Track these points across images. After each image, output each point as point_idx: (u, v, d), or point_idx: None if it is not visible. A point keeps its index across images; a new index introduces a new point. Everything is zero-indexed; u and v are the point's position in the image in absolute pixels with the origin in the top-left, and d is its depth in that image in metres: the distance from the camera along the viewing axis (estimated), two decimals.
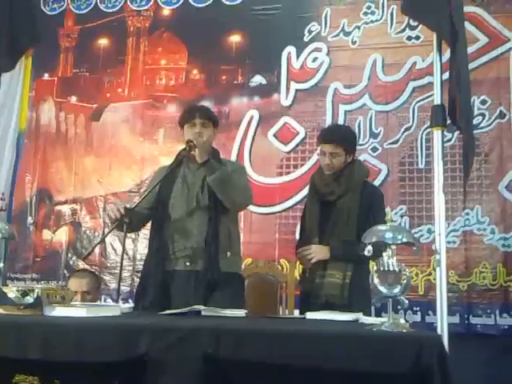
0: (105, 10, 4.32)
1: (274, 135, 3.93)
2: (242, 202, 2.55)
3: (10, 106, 3.99)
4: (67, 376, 1.60)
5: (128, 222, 2.36)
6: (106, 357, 1.59)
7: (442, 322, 1.95)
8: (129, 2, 4.29)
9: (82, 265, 3.92)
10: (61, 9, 4.39)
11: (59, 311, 1.85)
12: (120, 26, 4.28)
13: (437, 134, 2.09)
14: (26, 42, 2.41)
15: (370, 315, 2.26)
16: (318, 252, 2.52)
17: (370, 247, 1.75)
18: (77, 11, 4.37)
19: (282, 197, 3.84)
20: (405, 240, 1.73)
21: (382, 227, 1.83)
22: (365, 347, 1.56)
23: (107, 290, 3.83)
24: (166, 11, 4.24)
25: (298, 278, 2.91)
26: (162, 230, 2.45)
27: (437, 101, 2.14)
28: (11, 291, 1.88)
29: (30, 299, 1.85)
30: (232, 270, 2.48)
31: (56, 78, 4.32)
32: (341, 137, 2.60)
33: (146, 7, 4.27)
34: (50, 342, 1.63)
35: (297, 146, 3.88)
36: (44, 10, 4.33)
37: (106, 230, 4.01)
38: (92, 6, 4.34)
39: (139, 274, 3.81)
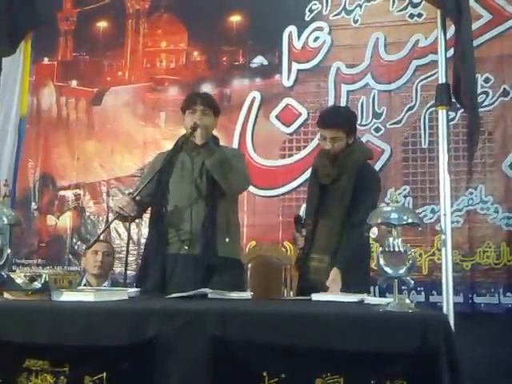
0: None
1: (276, 117, 3.91)
2: (239, 186, 2.58)
3: (10, 91, 3.96)
4: (77, 360, 1.61)
5: (133, 215, 2.40)
6: (115, 341, 1.60)
7: (448, 301, 1.95)
8: None
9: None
10: None
11: (67, 296, 1.86)
12: (119, 8, 4.23)
13: (441, 113, 2.07)
14: (26, 26, 2.38)
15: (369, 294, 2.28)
16: (332, 282, 2.35)
17: (375, 229, 1.75)
18: None
19: (284, 179, 3.83)
20: (410, 221, 1.73)
21: (386, 208, 1.82)
22: (371, 328, 1.58)
23: (113, 274, 3.84)
24: None
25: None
26: (161, 216, 2.48)
27: (441, 79, 2.11)
28: (19, 277, 1.89)
29: (37, 284, 1.87)
30: (231, 256, 2.50)
31: (56, 62, 4.29)
32: (341, 121, 2.55)
33: None
34: (59, 327, 1.65)
35: (299, 127, 3.86)
36: None
37: (110, 215, 4.03)
38: None
39: None
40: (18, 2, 2.22)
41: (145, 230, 3.83)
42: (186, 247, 2.43)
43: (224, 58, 4.04)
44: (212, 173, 2.42)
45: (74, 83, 4.27)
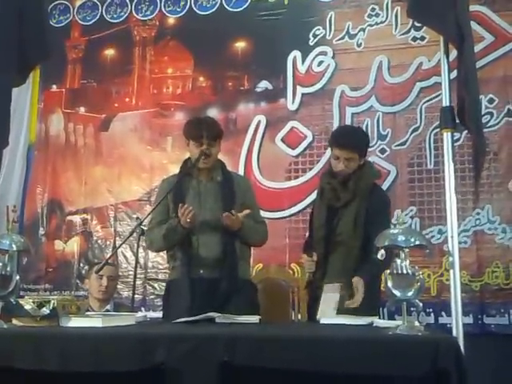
0: (110, 20, 4.35)
1: (282, 140, 3.93)
2: (259, 243, 2.69)
3: (19, 119, 4.05)
4: None
5: (141, 233, 2.42)
6: (124, 366, 1.60)
7: (458, 323, 1.94)
8: (134, 12, 4.32)
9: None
10: (67, 21, 4.42)
11: (75, 322, 1.87)
12: (126, 36, 4.30)
13: (446, 136, 2.09)
14: (37, 58, 2.42)
15: (379, 317, 2.26)
16: (359, 288, 2.27)
17: (382, 251, 1.75)
18: (83, 22, 4.41)
19: (290, 201, 3.84)
20: (417, 243, 1.74)
21: (394, 230, 1.83)
22: (381, 351, 1.57)
23: (119, 299, 3.84)
24: (171, 20, 4.26)
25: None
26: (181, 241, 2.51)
27: (445, 102, 2.13)
28: (27, 303, 1.90)
29: (46, 310, 1.87)
30: (244, 277, 2.56)
31: (64, 90, 4.35)
32: (358, 142, 2.53)
33: (151, 16, 4.29)
34: (68, 353, 1.65)
35: (304, 150, 3.88)
36: (50, 22, 4.37)
37: (118, 239, 4.05)
38: (98, 16, 4.37)
39: (151, 282, 3.91)
40: (30, 33, 2.27)
41: (152, 254, 3.88)
42: (206, 272, 2.47)
43: (229, 83, 4.09)
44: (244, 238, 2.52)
45: (82, 110, 4.32)
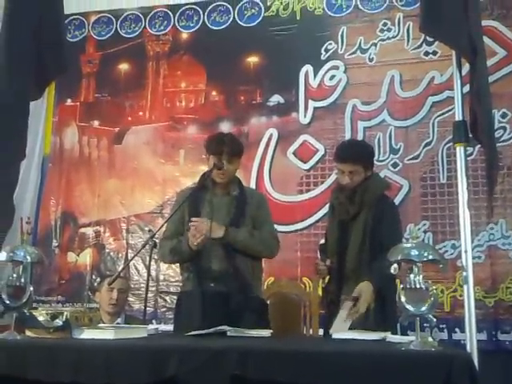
0: (125, 35, 4.41)
1: (294, 153, 3.94)
2: (268, 255, 2.68)
3: (34, 132, 4.10)
4: None
5: (154, 246, 2.43)
6: (136, 379, 1.60)
7: (472, 339, 1.92)
8: (148, 27, 4.38)
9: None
10: (82, 35, 4.49)
11: (88, 334, 1.87)
12: (140, 51, 4.36)
13: (459, 150, 2.08)
14: (54, 72, 2.47)
15: (396, 334, 2.24)
16: (363, 290, 2.29)
17: (395, 265, 1.74)
18: (97, 37, 4.48)
19: (302, 215, 3.83)
20: (431, 257, 1.72)
21: (407, 244, 1.82)
22: (393, 367, 1.55)
23: (131, 311, 3.84)
24: (185, 35, 4.32)
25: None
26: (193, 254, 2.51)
27: (458, 116, 2.13)
28: (40, 314, 1.91)
29: (59, 322, 1.89)
30: (255, 294, 2.55)
31: (78, 103, 4.41)
32: (359, 155, 2.56)
33: (164, 31, 4.35)
34: (81, 365, 1.65)
35: (316, 163, 3.89)
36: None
37: (130, 252, 4.07)
38: (112, 32, 4.44)
39: (163, 295, 3.91)
40: (47, 48, 2.31)
41: (163, 267, 3.89)
42: (216, 285, 2.46)
43: (242, 97, 4.12)
44: (244, 249, 2.49)
45: (96, 123, 4.37)
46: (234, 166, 2.60)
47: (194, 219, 2.45)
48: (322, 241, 2.84)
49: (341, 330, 2.16)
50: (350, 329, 2.21)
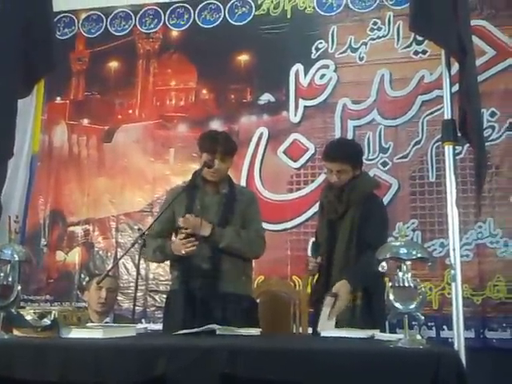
0: (115, 33, 4.39)
1: (284, 152, 3.95)
2: (253, 256, 2.67)
3: (22, 130, 4.03)
4: None
5: (143, 245, 2.42)
6: (125, 378, 1.60)
7: (459, 337, 1.93)
8: (138, 25, 4.36)
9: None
10: (72, 33, 4.47)
11: (76, 333, 1.86)
12: (130, 49, 4.34)
13: (448, 149, 2.09)
14: (42, 70, 2.45)
15: (385, 331, 2.25)
16: (340, 289, 2.32)
17: (384, 263, 1.75)
18: (87, 35, 4.45)
19: (292, 213, 3.84)
20: (419, 255, 1.73)
21: (395, 243, 1.83)
22: (382, 364, 1.56)
23: (120, 310, 3.82)
24: (175, 33, 4.30)
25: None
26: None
27: (447, 115, 2.13)
28: (28, 314, 1.90)
29: (46, 321, 1.87)
30: (245, 293, 2.56)
31: (68, 101, 4.39)
32: (346, 154, 2.57)
33: (155, 30, 4.34)
34: (68, 364, 1.64)
35: (306, 162, 3.90)
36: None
37: (119, 250, 4.05)
38: (102, 29, 4.42)
39: (152, 294, 3.90)
40: (36, 45, 2.30)
41: (152, 266, 3.88)
42: (204, 285, 2.45)
43: (232, 96, 4.12)
44: (229, 250, 2.48)
45: (85, 121, 4.35)
46: (227, 164, 2.60)
47: (186, 215, 2.44)
48: (314, 239, 2.86)
49: (327, 328, 2.16)
50: (338, 327, 2.21)
